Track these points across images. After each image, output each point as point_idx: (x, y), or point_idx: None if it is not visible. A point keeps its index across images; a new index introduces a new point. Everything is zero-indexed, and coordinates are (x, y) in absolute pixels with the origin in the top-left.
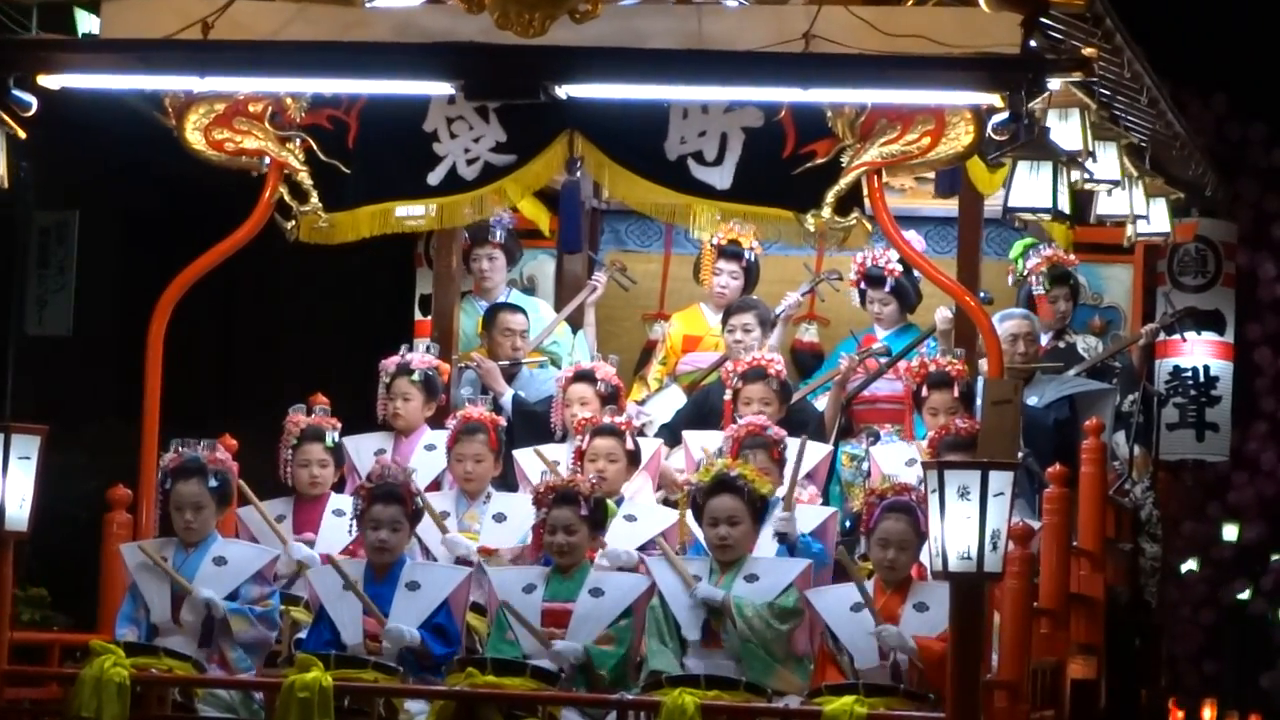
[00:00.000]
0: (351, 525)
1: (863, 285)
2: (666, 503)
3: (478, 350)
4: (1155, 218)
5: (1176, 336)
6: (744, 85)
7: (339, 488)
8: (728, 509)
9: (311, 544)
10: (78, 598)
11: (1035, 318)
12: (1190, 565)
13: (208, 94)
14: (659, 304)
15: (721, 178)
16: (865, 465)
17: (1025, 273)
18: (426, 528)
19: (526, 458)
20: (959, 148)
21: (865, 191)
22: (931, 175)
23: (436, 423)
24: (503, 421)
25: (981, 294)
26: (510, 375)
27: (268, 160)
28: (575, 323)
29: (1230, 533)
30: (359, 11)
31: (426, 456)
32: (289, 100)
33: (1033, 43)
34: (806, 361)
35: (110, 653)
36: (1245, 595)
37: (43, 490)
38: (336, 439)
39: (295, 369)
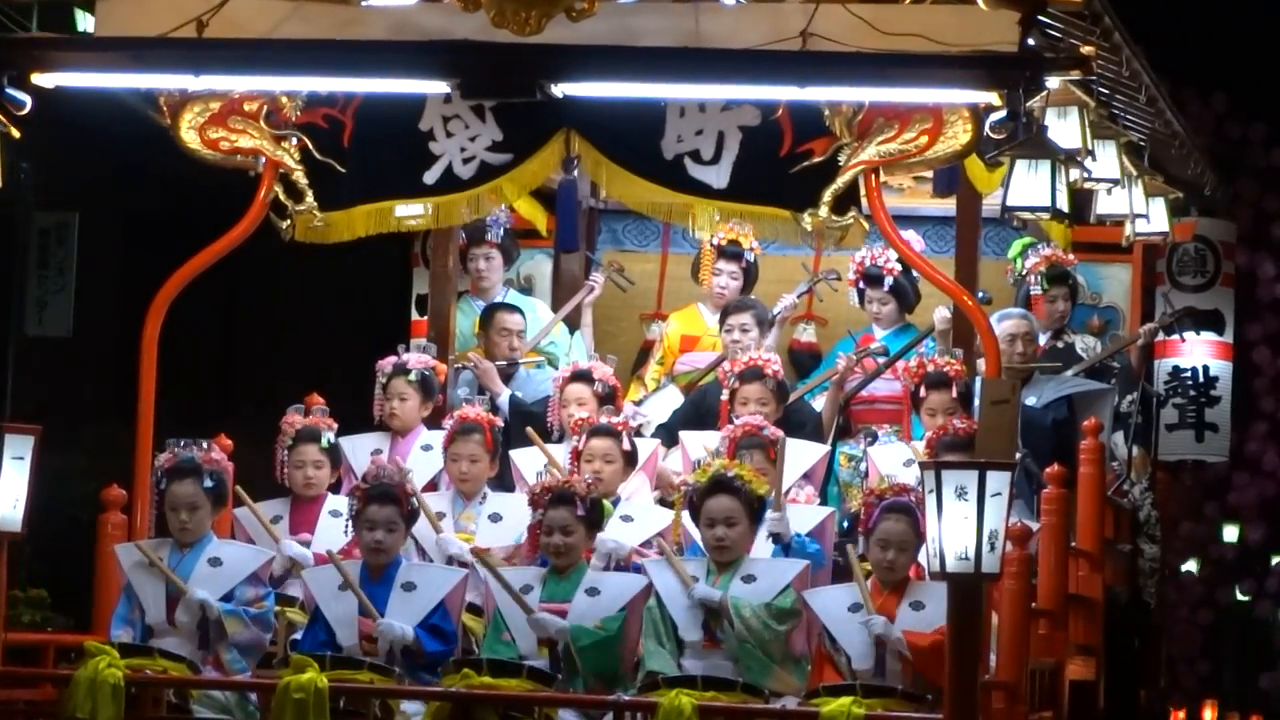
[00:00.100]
0: (347, 526)
1: (861, 285)
2: (663, 503)
3: (474, 350)
4: (1154, 217)
5: (1175, 336)
6: (741, 84)
7: (336, 488)
8: (725, 510)
9: (308, 545)
10: (78, 599)
11: (1033, 317)
12: (1189, 566)
13: (202, 92)
14: (656, 304)
15: (718, 177)
16: (863, 466)
17: (1024, 272)
18: (423, 528)
19: (523, 456)
20: (957, 146)
21: (863, 190)
22: (929, 174)
23: (433, 423)
24: (499, 422)
25: (980, 294)
26: (507, 375)
27: (263, 159)
28: (573, 323)
29: (1230, 534)
30: (354, 10)
31: (423, 457)
32: (284, 99)
33: (1031, 41)
34: (804, 361)
35: (105, 654)
36: (1246, 597)
37: (43, 491)
38: (332, 440)
39: (294, 369)
